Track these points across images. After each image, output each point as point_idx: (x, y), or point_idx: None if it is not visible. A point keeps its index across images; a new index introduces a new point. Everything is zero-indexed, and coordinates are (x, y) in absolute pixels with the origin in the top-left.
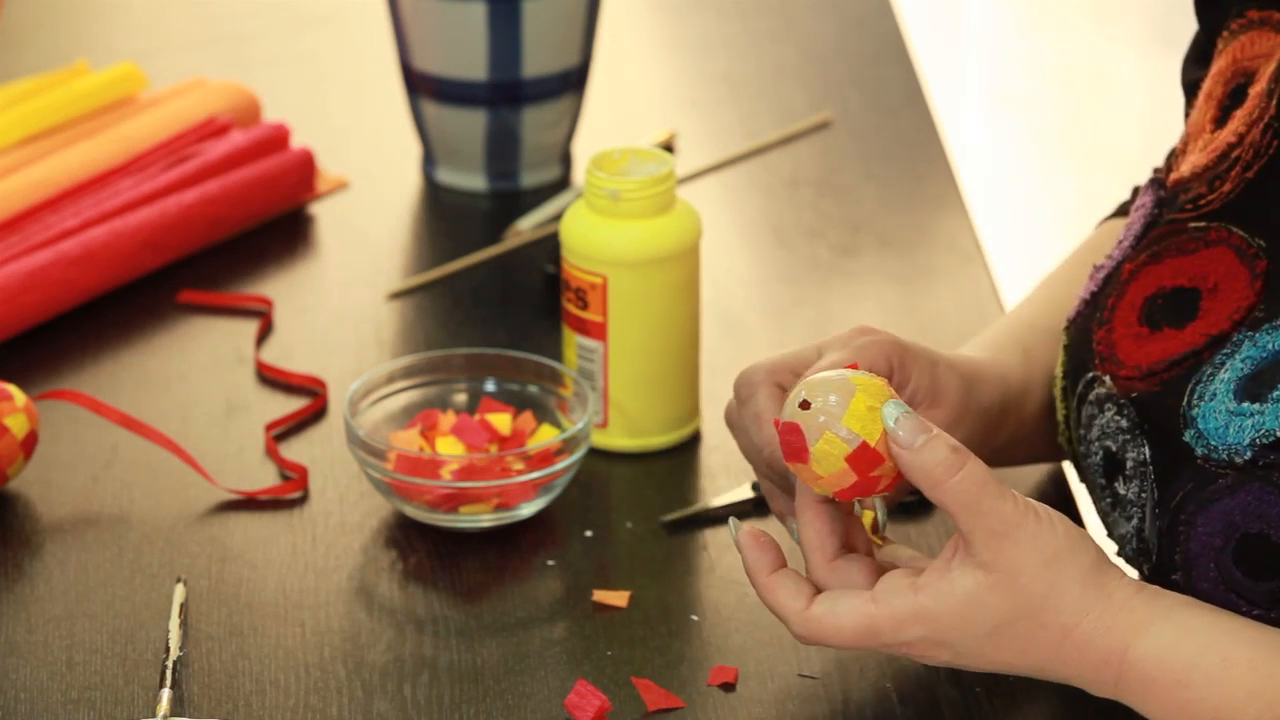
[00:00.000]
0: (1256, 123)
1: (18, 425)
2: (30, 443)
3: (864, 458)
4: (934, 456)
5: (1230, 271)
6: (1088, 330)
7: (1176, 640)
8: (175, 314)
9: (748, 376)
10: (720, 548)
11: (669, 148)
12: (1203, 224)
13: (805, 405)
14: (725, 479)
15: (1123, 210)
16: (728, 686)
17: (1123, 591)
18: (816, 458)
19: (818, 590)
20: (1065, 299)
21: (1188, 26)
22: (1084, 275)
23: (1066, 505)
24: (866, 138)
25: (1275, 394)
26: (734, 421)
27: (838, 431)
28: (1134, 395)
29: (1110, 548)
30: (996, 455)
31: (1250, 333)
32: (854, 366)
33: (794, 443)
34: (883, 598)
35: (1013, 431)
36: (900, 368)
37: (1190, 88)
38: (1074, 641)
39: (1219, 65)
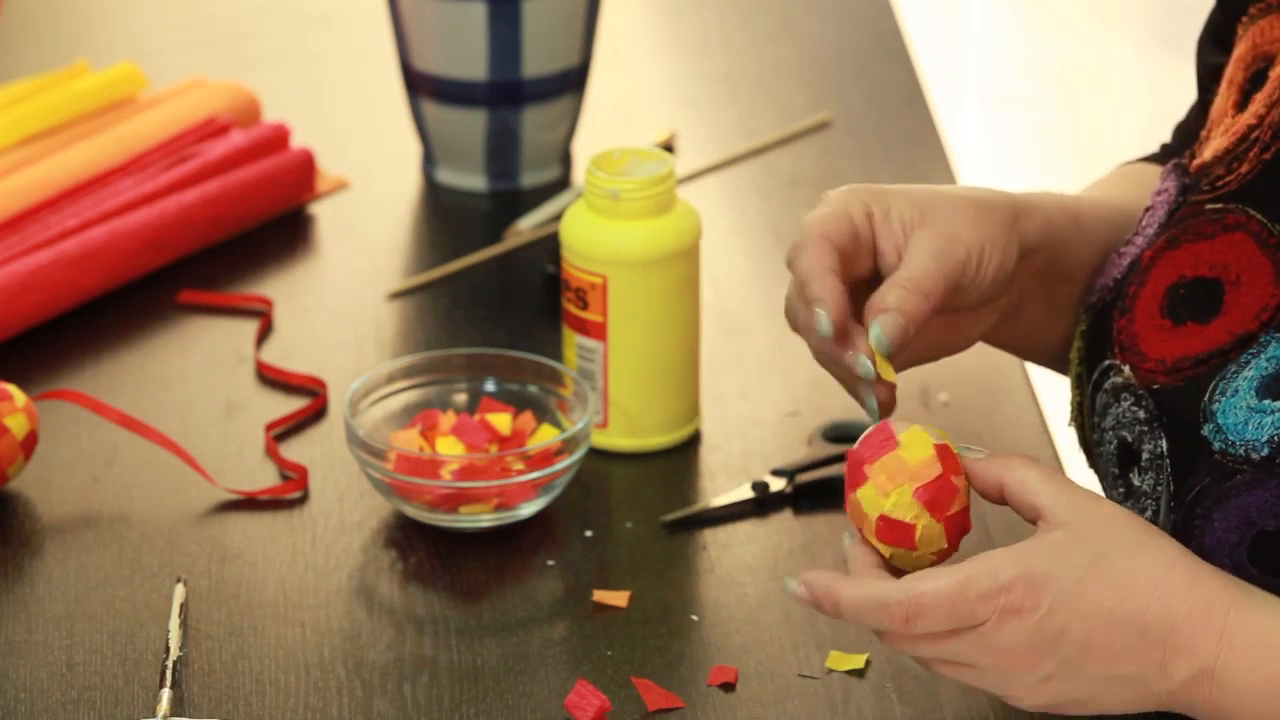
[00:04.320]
0: (1276, 104)
1: (18, 425)
2: (30, 443)
3: (948, 455)
4: (1005, 457)
5: (1251, 262)
6: (1108, 317)
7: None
8: (175, 314)
9: (795, 245)
10: (720, 548)
11: (669, 148)
12: (1219, 206)
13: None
14: (725, 479)
15: (1151, 158)
16: (728, 686)
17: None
18: (905, 443)
19: None
20: (1101, 199)
21: (1188, 26)
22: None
23: None
24: (866, 138)
25: None
26: (796, 320)
27: (925, 429)
28: (1155, 387)
29: None
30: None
31: (1278, 334)
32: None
33: (880, 438)
34: (971, 559)
35: (1048, 270)
36: (874, 199)
37: (1207, 70)
38: (1180, 571)
39: (1239, 51)
